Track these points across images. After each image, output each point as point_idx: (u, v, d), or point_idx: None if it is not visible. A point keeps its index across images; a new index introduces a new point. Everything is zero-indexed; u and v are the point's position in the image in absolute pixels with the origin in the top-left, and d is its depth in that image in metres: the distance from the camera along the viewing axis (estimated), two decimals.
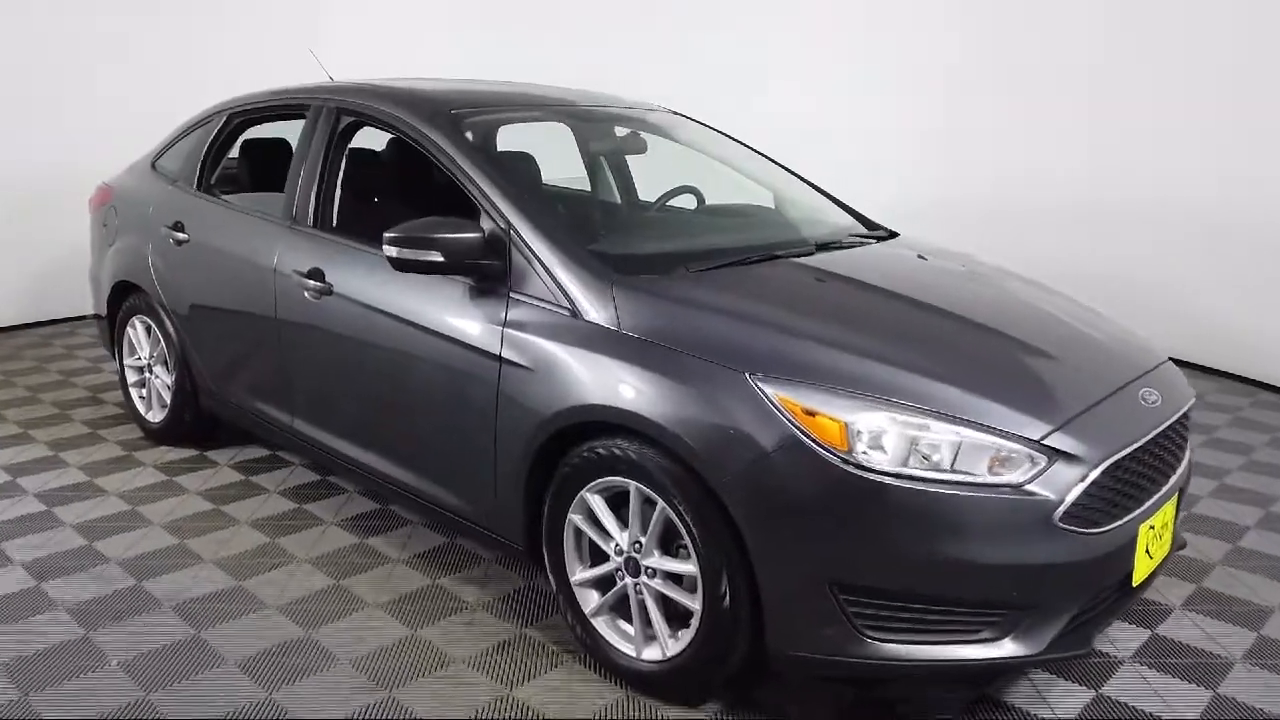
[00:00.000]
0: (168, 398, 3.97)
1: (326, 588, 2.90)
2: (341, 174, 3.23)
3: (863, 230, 3.25)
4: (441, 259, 2.52)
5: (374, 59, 6.10)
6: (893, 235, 3.22)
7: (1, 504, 3.47)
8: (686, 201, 3.55)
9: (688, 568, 2.21)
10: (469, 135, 2.90)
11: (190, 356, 3.76)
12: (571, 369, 2.34)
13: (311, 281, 3.04)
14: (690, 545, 2.18)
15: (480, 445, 2.59)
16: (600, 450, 2.30)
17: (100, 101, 6.08)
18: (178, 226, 3.68)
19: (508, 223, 2.59)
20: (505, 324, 2.51)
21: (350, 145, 3.29)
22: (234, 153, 3.93)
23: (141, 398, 4.15)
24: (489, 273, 2.58)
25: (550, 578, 2.53)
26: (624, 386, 2.24)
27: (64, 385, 4.93)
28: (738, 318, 2.30)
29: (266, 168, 3.96)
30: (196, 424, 3.93)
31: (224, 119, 3.75)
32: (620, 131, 3.67)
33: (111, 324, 4.22)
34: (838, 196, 3.53)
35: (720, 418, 2.09)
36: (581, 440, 2.37)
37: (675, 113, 3.76)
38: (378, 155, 3.77)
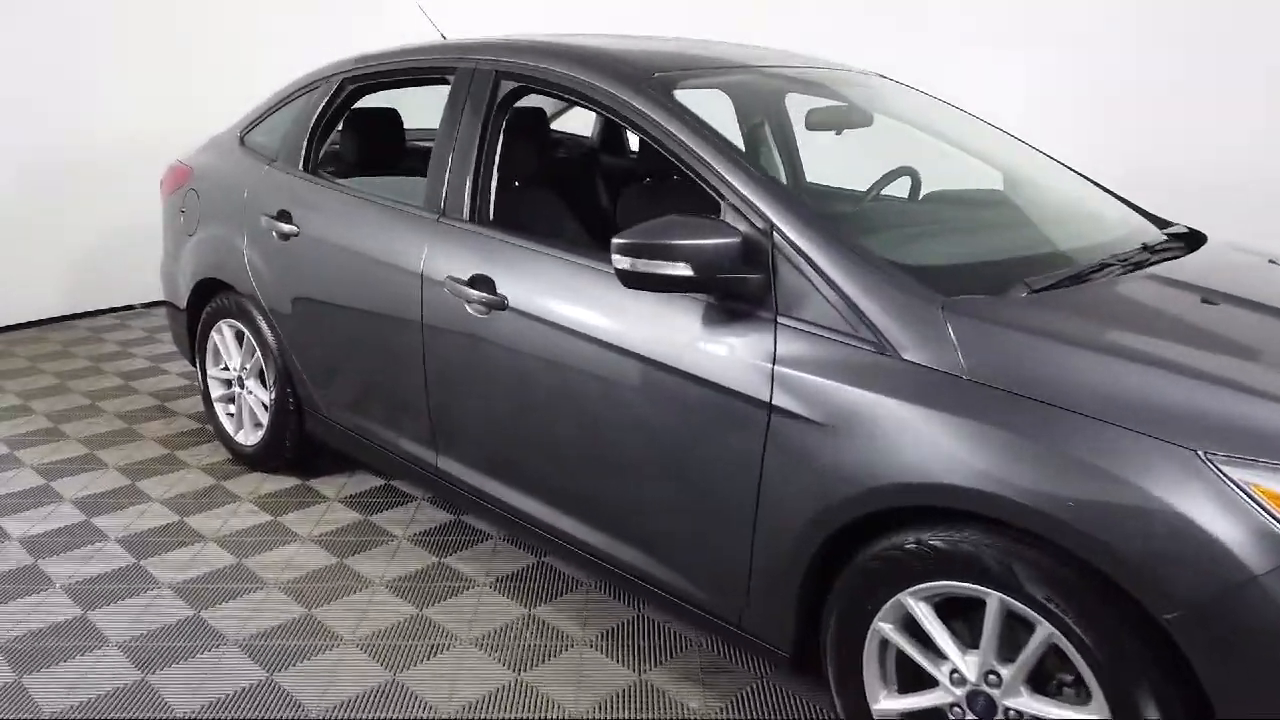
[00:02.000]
0: (263, 417, 3.35)
1: (507, 684, 2.28)
2: (500, 154, 2.59)
3: (1152, 226, 2.58)
4: (690, 273, 1.88)
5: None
6: (1194, 233, 2.54)
7: (83, 552, 2.87)
8: (898, 188, 2.89)
9: (1085, 717, 1.58)
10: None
11: (295, 371, 3.14)
12: (896, 428, 1.70)
13: (476, 292, 2.40)
14: (1097, 689, 1.55)
15: (730, 518, 1.96)
16: (937, 544, 1.67)
17: (137, 67, 5.42)
18: (283, 216, 3.04)
19: (769, 223, 1.95)
20: (776, 360, 1.87)
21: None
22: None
23: (229, 415, 3.54)
24: (745, 290, 1.94)
25: (836, 702, 1.91)
26: (985, 458, 1.60)
27: (125, 392, 4.32)
28: (1140, 361, 1.65)
29: (375, 143, 3.34)
30: (298, 449, 3.32)
31: (336, 85, 3.09)
32: (823, 101, 2.99)
33: (191, 327, 3.60)
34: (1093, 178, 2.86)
35: (1159, 516, 1.45)
36: (900, 524, 1.75)
37: (883, 76, 3.08)
38: (534, 129, 3.12)
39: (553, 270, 2.30)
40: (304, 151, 3.11)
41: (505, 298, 2.35)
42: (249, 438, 3.44)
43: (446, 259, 2.52)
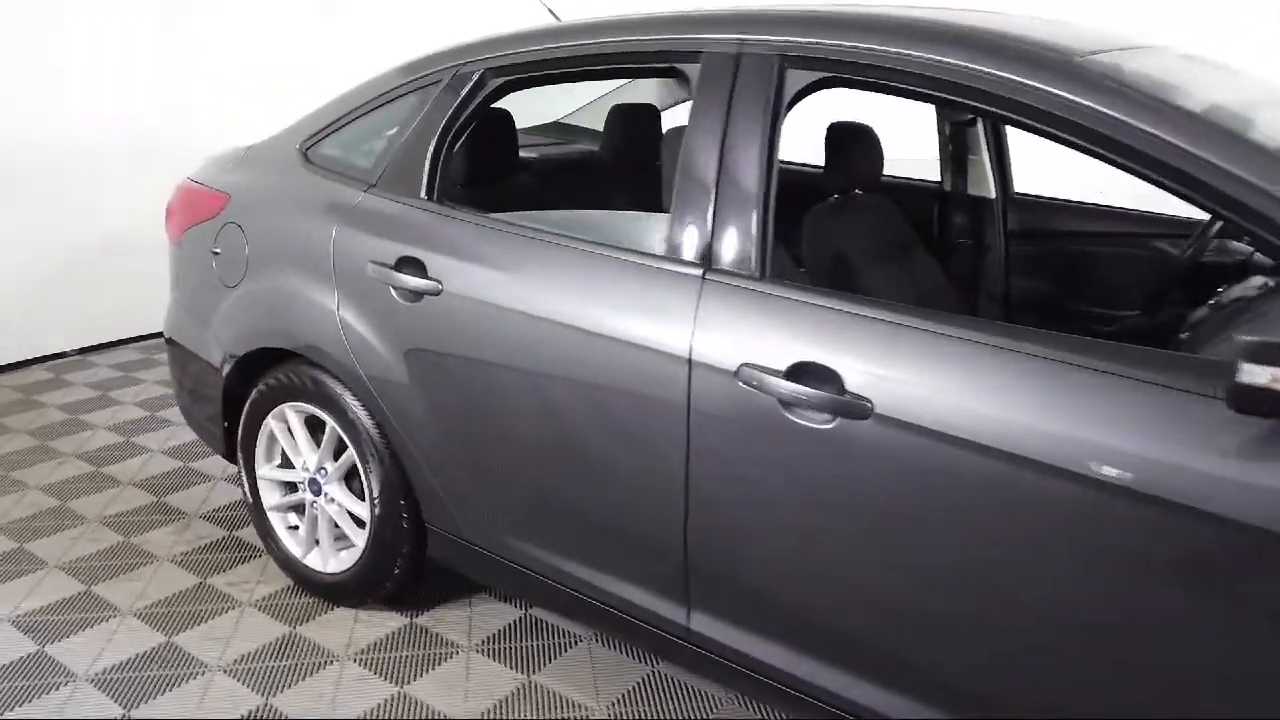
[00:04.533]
0: (355, 536, 2.44)
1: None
2: (777, 176, 1.78)
3: None
4: None
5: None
6: None
7: None
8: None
9: None
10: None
11: (419, 477, 2.24)
12: None
13: (805, 389, 1.59)
14: None
15: None
16: None
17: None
18: (408, 265, 2.13)
19: None
20: None
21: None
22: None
23: (290, 528, 2.59)
24: None
25: None
26: None
27: (101, 484, 3.26)
28: None
29: (497, 158, 2.49)
30: (406, 577, 2.42)
31: (476, 78, 2.19)
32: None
33: (228, 409, 2.63)
34: None
35: None
36: None
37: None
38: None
39: (959, 357, 1.51)
40: (427, 173, 2.20)
41: (869, 402, 1.54)
42: (329, 562, 2.51)
43: (735, 336, 1.69)
